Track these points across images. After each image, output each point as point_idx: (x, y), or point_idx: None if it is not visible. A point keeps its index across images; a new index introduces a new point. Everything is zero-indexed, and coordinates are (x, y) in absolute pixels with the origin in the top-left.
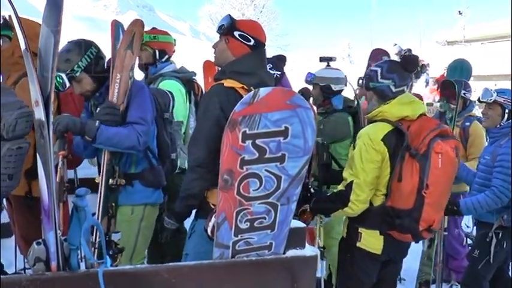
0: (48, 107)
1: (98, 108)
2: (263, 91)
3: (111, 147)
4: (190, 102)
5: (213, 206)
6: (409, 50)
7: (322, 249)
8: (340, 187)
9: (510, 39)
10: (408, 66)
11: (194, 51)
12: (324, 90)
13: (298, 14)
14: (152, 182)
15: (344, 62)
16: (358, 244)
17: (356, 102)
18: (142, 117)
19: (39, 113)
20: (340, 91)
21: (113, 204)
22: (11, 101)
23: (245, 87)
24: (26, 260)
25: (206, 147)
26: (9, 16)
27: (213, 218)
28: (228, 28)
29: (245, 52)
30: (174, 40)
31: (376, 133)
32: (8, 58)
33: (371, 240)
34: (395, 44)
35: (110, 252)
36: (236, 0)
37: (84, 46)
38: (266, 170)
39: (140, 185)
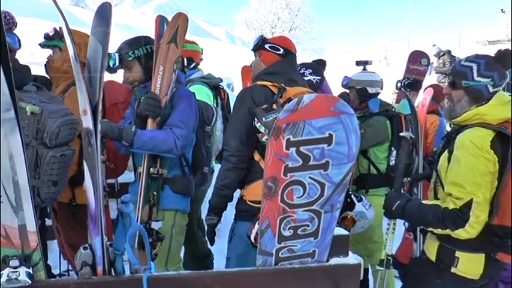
0: (96, 116)
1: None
2: (307, 98)
3: (149, 151)
4: (217, 106)
5: (250, 204)
6: (449, 52)
7: (389, 258)
8: (452, 206)
9: (510, 41)
10: (506, 61)
11: (230, 56)
12: (360, 93)
13: (333, 16)
14: (182, 189)
15: (381, 64)
16: (453, 270)
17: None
18: (183, 122)
19: (87, 122)
20: (376, 94)
21: (155, 193)
22: (55, 109)
23: (276, 84)
24: (69, 263)
25: (239, 137)
26: (60, 28)
27: (256, 225)
28: (260, 44)
29: (276, 60)
30: (201, 49)
31: (482, 140)
32: (59, 68)
33: (470, 266)
34: (434, 45)
35: (150, 240)
36: (271, 5)
37: (145, 40)
38: (310, 177)
39: (170, 191)
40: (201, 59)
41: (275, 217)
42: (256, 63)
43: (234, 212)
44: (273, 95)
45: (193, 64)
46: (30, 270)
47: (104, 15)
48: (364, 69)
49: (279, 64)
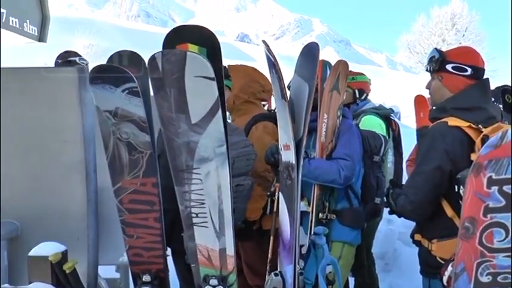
0: (299, 151)
1: None
2: None
3: (313, 180)
4: (388, 137)
5: (440, 260)
6: None
7: None
8: None
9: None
10: None
11: (391, 82)
12: None
13: (506, 33)
14: (349, 221)
15: None
16: None
17: None
18: (347, 154)
19: (288, 156)
20: None
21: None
22: (235, 141)
23: (472, 125)
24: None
25: (425, 194)
26: (228, 65)
27: (449, 267)
28: (439, 63)
29: (464, 85)
30: (369, 79)
31: None
32: (231, 105)
33: None
34: None
35: None
36: (436, 26)
37: None
38: None
39: (337, 223)
40: (370, 90)
41: (471, 260)
42: (437, 88)
43: (420, 266)
44: (469, 142)
45: (364, 95)
46: None
47: (311, 55)
48: None
49: (470, 93)
